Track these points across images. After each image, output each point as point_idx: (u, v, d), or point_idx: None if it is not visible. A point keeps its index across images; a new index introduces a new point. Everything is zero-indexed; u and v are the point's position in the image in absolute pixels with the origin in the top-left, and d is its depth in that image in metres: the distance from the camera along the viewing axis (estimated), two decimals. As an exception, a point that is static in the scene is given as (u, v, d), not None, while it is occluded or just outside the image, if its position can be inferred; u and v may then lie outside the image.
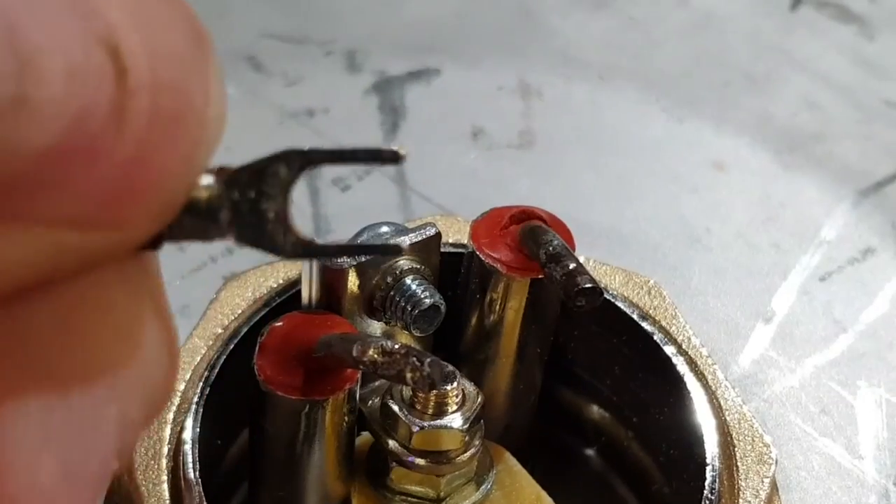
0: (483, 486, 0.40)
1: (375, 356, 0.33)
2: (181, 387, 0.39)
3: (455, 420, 0.38)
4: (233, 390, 0.39)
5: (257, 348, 0.36)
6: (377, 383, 0.41)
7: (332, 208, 0.51)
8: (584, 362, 0.45)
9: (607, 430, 0.46)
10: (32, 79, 0.19)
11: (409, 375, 0.33)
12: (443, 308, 0.39)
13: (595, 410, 0.46)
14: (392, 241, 0.23)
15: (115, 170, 0.21)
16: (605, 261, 0.43)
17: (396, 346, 0.33)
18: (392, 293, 0.39)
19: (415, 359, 0.33)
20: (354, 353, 0.33)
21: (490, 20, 0.60)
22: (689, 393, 0.41)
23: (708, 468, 0.39)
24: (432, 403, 0.38)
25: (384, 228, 0.39)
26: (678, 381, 0.41)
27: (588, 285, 0.36)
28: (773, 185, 0.53)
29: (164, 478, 0.37)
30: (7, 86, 0.19)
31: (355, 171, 0.52)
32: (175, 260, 0.49)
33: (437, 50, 0.58)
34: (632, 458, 0.45)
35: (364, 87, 0.56)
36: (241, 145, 0.53)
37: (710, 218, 0.52)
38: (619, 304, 0.42)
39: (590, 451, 0.46)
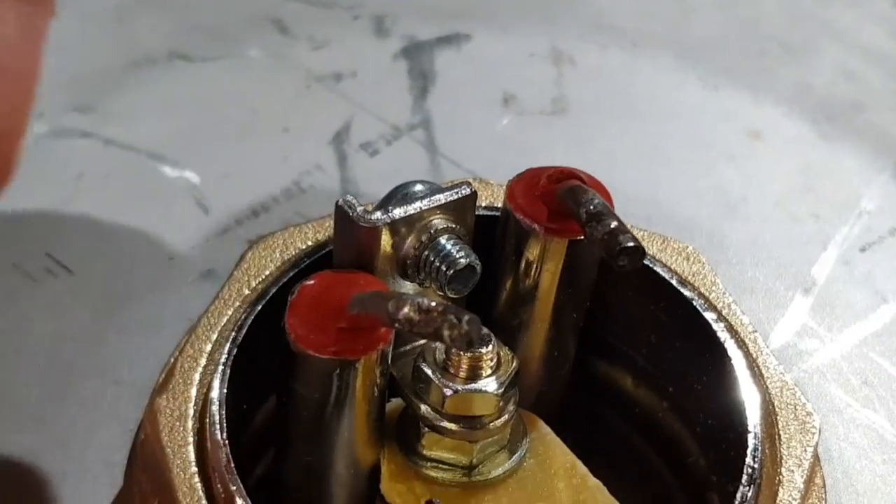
0: (516, 454, 0.39)
1: (411, 313, 0.32)
2: (207, 347, 0.38)
3: (489, 384, 0.37)
4: (260, 353, 0.38)
5: (287, 307, 0.35)
6: (408, 346, 0.40)
7: (360, 173, 0.50)
8: (619, 330, 0.44)
9: (642, 400, 0.45)
10: None
11: (446, 333, 0.31)
12: (478, 268, 0.38)
13: (630, 380, 0.45)
14: None
15: None
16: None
17: (433, 304, 0.32)
18: (426, 253, 0.38)
19: (452, 316, 0.31)
20: (390, 310, 0.32)
21: (523, -15, 0.59)
22: (729, 360, 0.40)
23: (750, 436, 0.38)
24: (466, 367, 0.37)
25: (418, 187, 0.38)
26: (718, 348, 0.40)
27: (631, 244, 0.35)
28: (811, 154, 0.53)
29: (190, 439, 0.36)
30: None
31: (383, 135, 0.51)
32: (198, 224, 0.49)
33: (467, 15, 0.57)
34: (667, 430, 0.44)
35: (393, 52, 0.55)
36: (267, 108, 0.53)
37: (747, 187, 0.51)
38: (658, 268, 0.41)
39: (624, 422, 0.45)
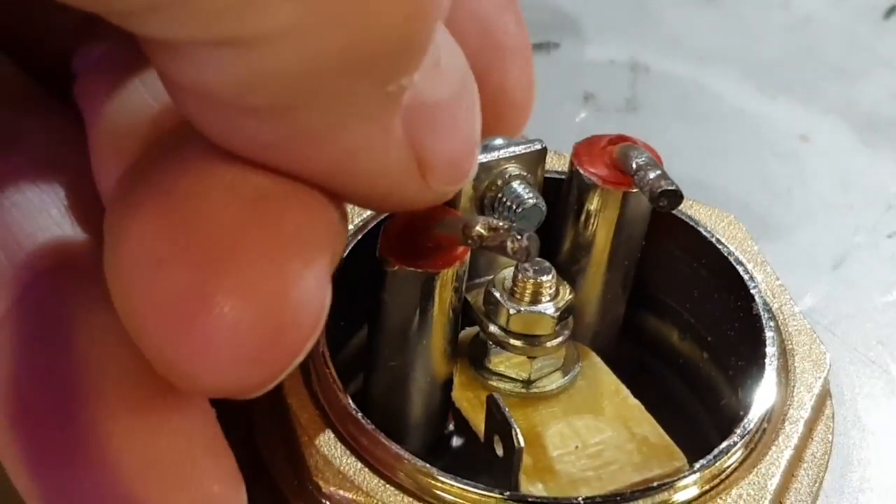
0: (569, 375, 0.43)
1: (482, 230, 0.36)
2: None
3: (548, 308, 0.41)
4: (358, 278, 0.42)
5: (382, 230, 0.40)
6: (481, 279, 0.44)
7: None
8: (667, 287, 0.47)
9: (686, 351, 0.47)
10: None
11: (510, 245, 0.35)
12: (544, 208, 0.42)
13: (676, 333, 0.48)
14: None
15: None
16: (693, 202, 0.46)
17: (500, 223, 0.36)
18: (500, 194, 0.42)
19: (515, 233, 0.36)
20: (463, 227, 0.37)
21: (608, 7, 0.63)
22: (756, 307, 0.43)
23: (768, 365, 0.41)
24: (529, 292, 0.41)
25: (498, 140, 0.43)
26: (748, 297, 0.43)
27: (671, 188, 0.39)
28: (852, 157, 0.56)
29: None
30: None
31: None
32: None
33: (558, 27, 0.61)
34: (705, 376, 0.47)
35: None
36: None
37: (792, 180, 0.54)
38: (700, 229, 0.45)
39: (669, 371, 0.48)
